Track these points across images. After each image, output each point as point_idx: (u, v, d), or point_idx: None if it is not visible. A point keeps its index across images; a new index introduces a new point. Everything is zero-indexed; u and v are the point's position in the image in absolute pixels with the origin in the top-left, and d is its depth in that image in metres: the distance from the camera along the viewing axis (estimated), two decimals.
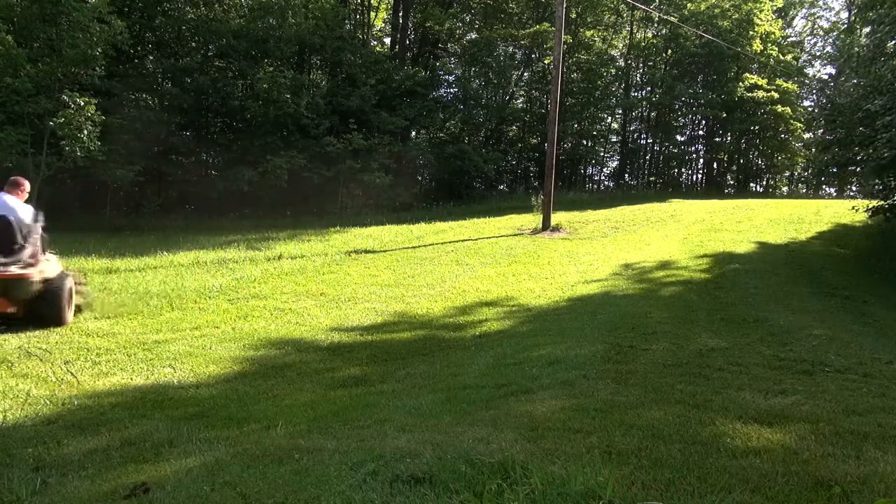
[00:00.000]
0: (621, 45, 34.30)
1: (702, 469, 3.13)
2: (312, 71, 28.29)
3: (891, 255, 13.09)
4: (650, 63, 33.93)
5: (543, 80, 30.63)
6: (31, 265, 7.17)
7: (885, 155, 12.80)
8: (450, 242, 15.64)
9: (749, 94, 30.21)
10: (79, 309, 8.10)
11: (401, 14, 29.75)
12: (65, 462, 3.70)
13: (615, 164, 36.69)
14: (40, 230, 7.54)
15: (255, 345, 7.33)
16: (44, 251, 7.62)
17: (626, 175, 35.33)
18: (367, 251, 14.39)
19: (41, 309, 7.22)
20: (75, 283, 8.01)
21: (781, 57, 32.87)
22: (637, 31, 33.65)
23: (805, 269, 12.39)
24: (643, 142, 35.18)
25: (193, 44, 24.92)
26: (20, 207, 7.38)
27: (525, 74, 32.62)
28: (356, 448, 3.61)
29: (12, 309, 6.97)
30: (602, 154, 35.92)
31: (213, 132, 25.78)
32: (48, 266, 7.56)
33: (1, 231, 7.11)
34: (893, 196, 14.86)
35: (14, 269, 6.98)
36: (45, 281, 7.29)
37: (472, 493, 2.71)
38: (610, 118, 35.25)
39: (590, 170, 36.75)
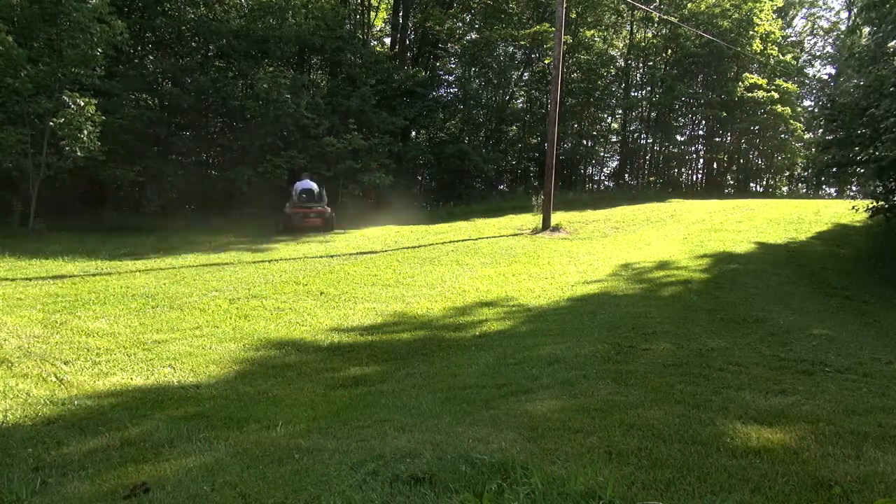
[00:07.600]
0: (621, 45, 34.28)
1: (702, 469, 3.13)
2: (312, 71, 28.28)
3: (891, 255, 13.07)
4: (650, 63, 33.90)
5: (543, 80, 30.62)
6: None
7: (884, 154, 12.77)
8: (450, 242, 15.63)
9: (749, 94, 30.21)
10: None
11: (401, 14, 29.74)
12: (65, 462, 3.70)
13: (615, 164, 36.70)
14: None
15: (255, 345, 7.33)
16: None
17: (626, 175, 35.31)
18: (367, 251, 14.38)
19: None
20: None
21: (781, 57, 32.87)
22: (637, 31, 33.63)
23: (805, 269, 12.38)
24: (643, 142, 35.16)
25: (193, 44, 24.90)
26: None
27: (525, 74, 32.60)
28: (356, 448, 3.61)
29: None
30: (602, 154, 35.91)
31: (213, 132, 25.74)
32: None
33: None
34: (893, 197, 14.83)
35: None
36: None
37: (472, 493, 2.70)
38: (610, 118, 35.24)
39: (590, 170, 36.74)
